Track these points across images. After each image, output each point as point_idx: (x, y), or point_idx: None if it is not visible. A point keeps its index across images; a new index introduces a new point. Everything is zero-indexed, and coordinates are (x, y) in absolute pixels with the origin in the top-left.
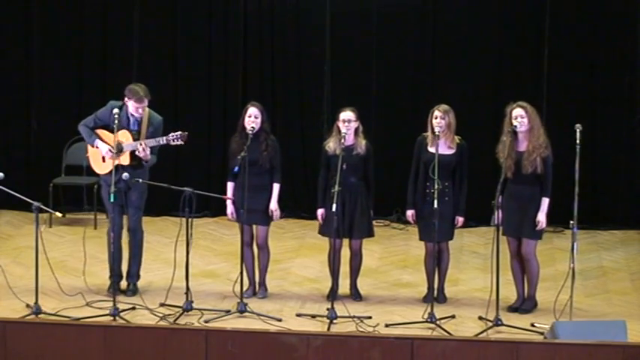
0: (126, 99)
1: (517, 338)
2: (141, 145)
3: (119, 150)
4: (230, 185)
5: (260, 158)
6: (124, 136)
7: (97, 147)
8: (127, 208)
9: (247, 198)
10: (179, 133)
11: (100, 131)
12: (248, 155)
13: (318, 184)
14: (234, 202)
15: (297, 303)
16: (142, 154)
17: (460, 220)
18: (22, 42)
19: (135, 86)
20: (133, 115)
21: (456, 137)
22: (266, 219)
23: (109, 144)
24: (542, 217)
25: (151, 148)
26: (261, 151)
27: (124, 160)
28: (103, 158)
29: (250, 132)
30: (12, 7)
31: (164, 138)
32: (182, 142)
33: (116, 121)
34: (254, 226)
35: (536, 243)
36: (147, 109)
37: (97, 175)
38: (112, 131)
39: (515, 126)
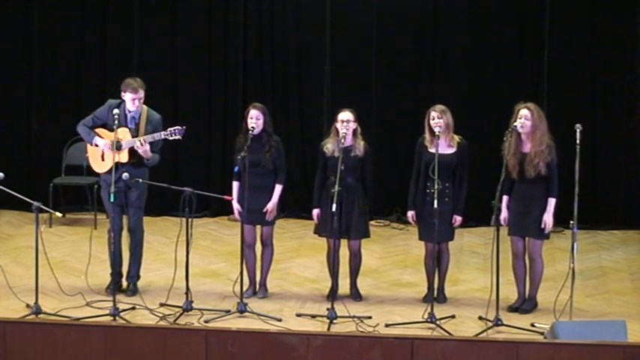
0: (122, 94)
1: (517, 338)
2: (139, 140)
3: (118, 147)
4: (235, 185)
5: (262, 159)
6: (123, 134)
7: (96, 145)
8: (126, 208)
9: (250, 198)
10: (177, 127)
11: (99, 130)
12: (250, 156)
13: (315, 185)
14: (238, 201)
15: (297, 303)
16: (141, 150)
17: (458, 219)
18: (22, 42)
19: (129, 79)
20: (130, 111)
21: (456, 136)
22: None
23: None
24: (548, 218)
25: (153, 145)
26: (263, 152)
27: (123, 157)
28: (102, 157)
29: (251, 132)
30: (12, 7)
31: (161, 133)
32: (180, 137)
33: (116, 121)
34: (258, 226)
35: (542, 243)
36: (145, 107)
37: (97, 174)
38: (110, 130)
39: (516, 126)
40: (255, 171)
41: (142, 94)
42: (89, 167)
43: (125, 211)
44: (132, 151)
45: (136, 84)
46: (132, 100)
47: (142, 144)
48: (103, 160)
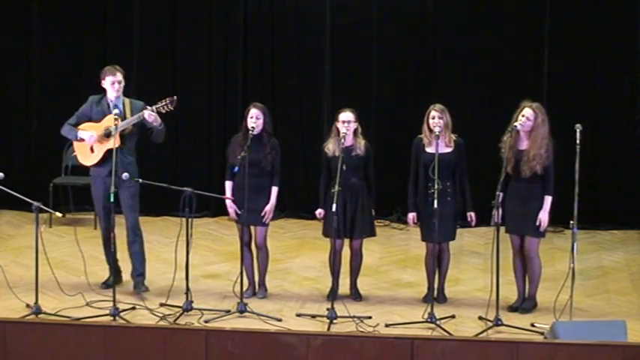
0: (102, 82)
1: (517, 338)
2: (148, 109)
3: (107, 135)
4: (228, 184)
5: (262, 160)
6: (109, 122)
7: (81, 139)
8: (122, 208)
9: (247, 198)
10: (167, 99)
11: (84, 125)
12: (251, 156)
13: (320, 187)
14: (234, 202)
15: (297, 303)
16: (151, 118)
17: (472, 215)
18: (22, 42)
19: (107, 67)
20: (111, 100)
21: (452, 135)
22: (263, 220)
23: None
24: (544, 216)
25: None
26: (264, 153)
27: (116, 142)
28: (92, 148)
29: (251, 132)
30: (12, 7)
31: (154, 107)
32: (172, 108)
33: (118, 120)
34: (252, 227)
35: (538, 241)
36: (126, 98)
37: (87, 169)
38: (96, 122)
39: (516, 125)
40: (251, 171)
41: (120, 77)
42: (79, 166)
43: (122, 211)
44: (122, 136)
45: (113, 68)
46: (111, 83)
47: (150, 112)
48: (92, 151)
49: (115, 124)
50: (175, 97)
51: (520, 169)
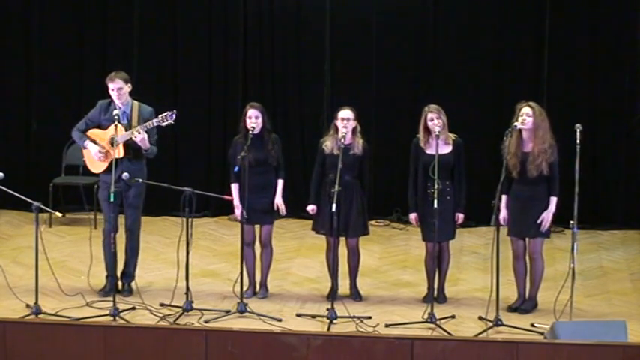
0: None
1: (517, 338)
2: (135, 130)
3: (112, 144)
4: (234, 187)
5: (268, 157)
6: (116, 131)
7: (87, 149)
8: (124, 208)
9: (252, 198)
10: (168, 112)
11: (92, 131)
12: (253, 155)
13: (312, 181)
14: (241, 202)
15: (297, 303)
16: (138, 140)
17: (460, 216)
18: (22, 42)
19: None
20: (119, 107)
21: (451, 135)
22: (270, 218)
23: (99, 144)
24: (547, 216)
25: (149, 136)
26: (268, 150)
27: (119, 153)
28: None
29: (251, 132)
30: (12, 8)
31: (153, 121)
32: (172, 122)
33: (116, 121)
34: (256, 226)
35: (542, 241)
36: (136, 102)
37: (96, 175)
38: (104, 129)
39: (515, 125)
40: (258, 170)
41: (120, 83)
42: (86, 168)
43: (123, 210)
44: (126, 146)
45: (113, 74)
46: (110, 90)
47: (139, 132)
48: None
49: (115, 126)
50: (175, 110)
51: (526, 168)
